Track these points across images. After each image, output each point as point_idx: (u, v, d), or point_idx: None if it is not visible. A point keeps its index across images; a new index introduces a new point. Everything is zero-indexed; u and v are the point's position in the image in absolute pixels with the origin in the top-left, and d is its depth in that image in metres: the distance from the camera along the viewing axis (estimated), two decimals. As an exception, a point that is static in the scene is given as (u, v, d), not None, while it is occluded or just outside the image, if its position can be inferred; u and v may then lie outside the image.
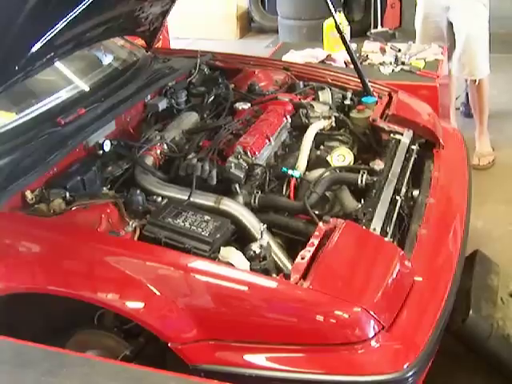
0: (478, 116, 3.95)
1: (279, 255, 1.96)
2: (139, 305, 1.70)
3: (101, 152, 2.28)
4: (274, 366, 1.65)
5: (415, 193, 2.38)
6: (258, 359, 1.66)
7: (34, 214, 1.91)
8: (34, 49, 1.99)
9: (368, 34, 6.21)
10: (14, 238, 1.86)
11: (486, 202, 3.47)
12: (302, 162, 2.35)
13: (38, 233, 1.86)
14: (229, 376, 1.63)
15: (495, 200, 3.56)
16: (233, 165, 2.19)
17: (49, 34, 2.01)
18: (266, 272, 1.80)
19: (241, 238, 1.99)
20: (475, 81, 3.81)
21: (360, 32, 6.36)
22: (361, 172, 2.22)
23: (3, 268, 1.83)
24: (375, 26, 6.31)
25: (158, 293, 1.69)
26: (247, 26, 7.29)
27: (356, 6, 6.79)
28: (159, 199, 2.09)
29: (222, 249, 1.79)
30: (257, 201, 2.15)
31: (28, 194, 1.99)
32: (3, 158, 2.07)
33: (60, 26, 2.03)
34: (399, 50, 3.66)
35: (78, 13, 2.08)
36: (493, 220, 3.33)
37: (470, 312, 2.15)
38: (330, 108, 2.69)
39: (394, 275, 1.79)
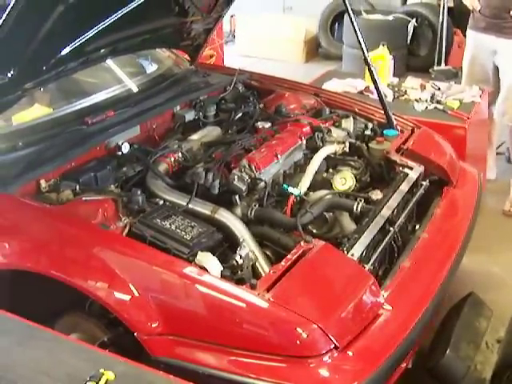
0: (516, 162, 3.90)
1: (263, 267, 2.05)
2: (114, 294, 1.84)
3: (119, 153, 2.46)
4: (226, 367, 1.74)
5: (418, 227, 2.43)
6: (212, 359, 1.75)
7: (41, 201, 2.09)
8: (64, 52, 2.19)
9: (430, 70, 6.22)
10: (18, 219, 2.05)
11: (508, 249, 3.43)
12: (305, 182, 2.45)
13: (38, 217, 2.04)
14: (184, 371, 1.73)
15: (520, 249, 3.50)
16: (236, 177, 2.31)
17: (79, 40, 2.20)
18: (241, 281, 1.90)
19: (233, 247, 2.10)
20: (515, 126, 3.78)
21: (423, 68, 6.38)
22: (357, 200, 2.29)
23: (6, 245, 2.02)
24: (439, 63, 6.29)
25: (132, 286, 1.82)
26: (314, 50, 7.43)
27: (423, 41, 6.81)
28: (161, 202, 2.24)
29: (200, 253, 1.91)
30: (253, 213, 2.25)
31: (42, 182, 2.19)
32: (27, 148, 2.28)
33: (91, 33, 2.23)
34: (439, 89, 3.68)
35: (109, 23, 2.27)
36: (511, 268, 3.28)
37: (447, 351, 2.17)
38: (348, 135, 2.77)
39: (359, 299, 1.86)
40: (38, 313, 1.74)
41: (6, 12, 1.80)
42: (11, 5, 1.79)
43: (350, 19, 2.88)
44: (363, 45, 2.86)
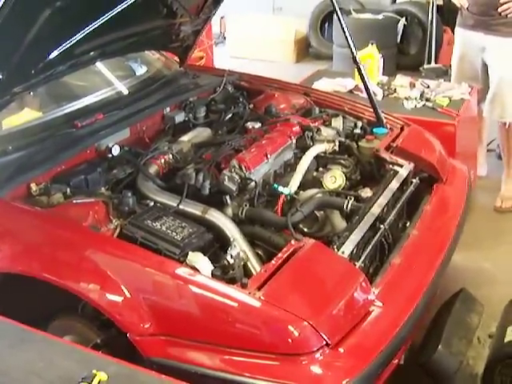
0: (507, 159, 3.92)
1: (255, 266, 2.06)
2: (106, 296, 1.85)
3: (110, 155, 2.46)
4: (218, 366, 1.74)
5: (408, 224, 2.45)
6: (205, 359, 1.76)
7: (31, 205, 2.09)
8: (52, 56, 2.19)
9: (420, 68, 6.24)
10: (9, 223, 2.05)
11: (500, 244, 3.46)
12: (295, 181, 2.46)
13: (29, 220, 2.04)
14: (177, 371, 1.74)
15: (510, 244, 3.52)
16: (226, 177, 2.32)
17: (67, 43, 2.21)
18: (232, 281, 1.91)
19: (224, 247, 2.11)
20: (505, 123, 3.80)
21: (414, 66, 6.41)
22: (347, 198, 2.30)
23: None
24: (429, 62, 6.32)
25: (124, 287, 1.83)
26: (305, 51, 7.45)
27: (413, 39, 6.85)
28: (151, 203, 2.24)
29: (190, 253, 1.92)
30: (244, 213, 2.26)
31: (33, 186, 2.18)
32: (17, 152, 2.28)
33: (79, 36, 2.23)
34: (428, 87, 3.70)
35: (97, 26, 2.28)
36: (502, 263, 3.29)
37: (439, 346, 2.18)
38: (338, 133, 2.79)
39: (350, 297, 1.87)
40: (31, 316, 1.75)
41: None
42: (-3, 8, 1.79)
43: (338, 18, 2.90)
44: (351, 44, 2.87)
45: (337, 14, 2.91)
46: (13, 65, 2.06)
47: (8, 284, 2.02)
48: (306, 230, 2.32)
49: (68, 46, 2.22)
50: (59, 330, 2.06)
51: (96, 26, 2.28)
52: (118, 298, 1.83)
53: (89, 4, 2.18)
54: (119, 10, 2.34)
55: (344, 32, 2.87)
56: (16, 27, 1.93)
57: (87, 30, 2.25)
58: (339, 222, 2.33)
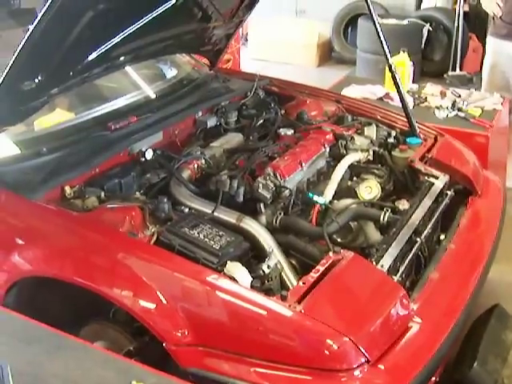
0: (536, 170, 3.87)
1: (290, 277, 2.03)
2: (142, 303, 1.82)
3: (143, 159, 2.44)
4: (257, 380, 1.72)
5: (443, 237, 2.41)
6: (242, 372, 1.73)
7: (67, 208, 2.08)
8: (90, 58, 2.18)
9: (445, 75, 6.18)
10: (44, 226, 2.04)
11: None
12: (330, 190, 2.42)
13: (64, 224, 2.02)
14: (214, 382, 1.72)
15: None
16: (261, 185, 2.29)
17: (105, 45, 2.19)
18: (269, 292, 1.88)
19: (259, 256, 2.08)
20: (535, 135, 3.75)
21: (438, 72, 6.35)
22: (384, 209, 2.27)
23: (31, 252, 2.00)
24: (453, 69, 6.26)
25: (160, 295, 1.81)
26: (327, 54, 7.40)
27: (438, 45, 6.77)
28: (186, 210, 2.22)
29: (229, 263, 1.89)
30: (278, 221, 2.23)
31: (67, 189, 2.16)
32: (51, 154, 2.27)
33: (116, 39, 2.22)
34: (459, 96, 3.65)
35: (135, 29, 2.27)
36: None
37: (475, 364, 2.14)
38: (372, 143, 2.75)
39: (390, 312, 1.83)
40: (63, 320, 1.73)
41: (38, 18, 1.79)
42: (43, 10, 1.78)
43: (374, 25, 2.84)
44: (387, 51, 2.83)
45: (373, 21, 2.85)
46: (52, 67, 2.05)
47: (41, 287, 2.01)
48: (339, 240, 2.29)
49: (106, 48, 2.20)
50: (91, 335, 2.04)
51: (135, 28, 2.26)
52: (155, 306, 1.80)
53: (130, 6, 2.17)
54: (157, 13, 2.32)
55: (379, 38, 2.82)
56: (59, 29, 1.92)
57: (126, 32, 2.24)
58: (373, 233, 2.29)
